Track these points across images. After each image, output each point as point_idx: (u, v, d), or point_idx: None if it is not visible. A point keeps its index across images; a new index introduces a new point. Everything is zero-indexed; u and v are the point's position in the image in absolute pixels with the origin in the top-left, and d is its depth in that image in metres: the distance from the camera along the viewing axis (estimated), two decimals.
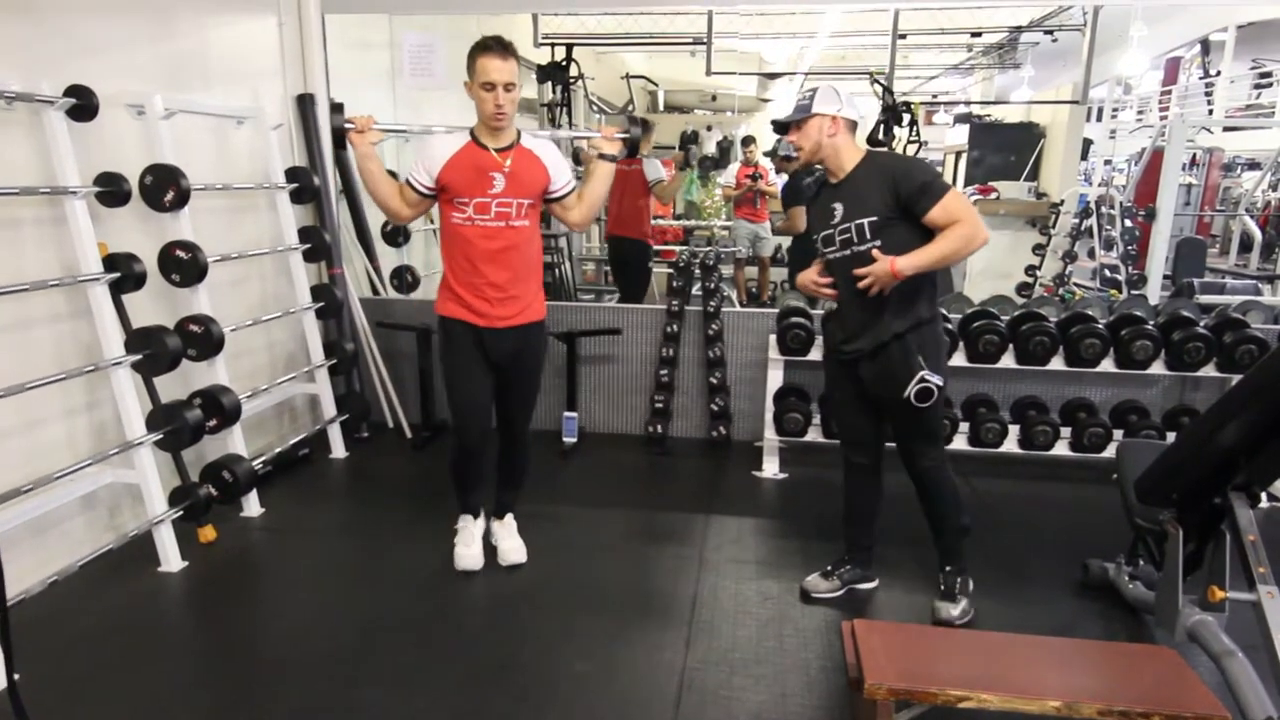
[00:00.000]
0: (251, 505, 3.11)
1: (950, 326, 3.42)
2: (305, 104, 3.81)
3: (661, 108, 10.44)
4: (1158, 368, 3.40)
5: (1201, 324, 3.42)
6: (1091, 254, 6.17)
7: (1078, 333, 3.38)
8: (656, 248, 6.01)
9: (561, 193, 2.40)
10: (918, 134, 4.61)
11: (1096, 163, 9.08)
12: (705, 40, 4.76)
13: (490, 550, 2.75)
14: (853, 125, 2.29)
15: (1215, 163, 8.16)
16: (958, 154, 8.89)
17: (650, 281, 5.40)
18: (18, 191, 2.40)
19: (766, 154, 6.39)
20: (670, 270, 4.09)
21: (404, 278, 4.56)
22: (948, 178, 9.49)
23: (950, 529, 2.46)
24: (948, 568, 2.47)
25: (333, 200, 3.94)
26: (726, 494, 3.43)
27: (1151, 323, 3.43)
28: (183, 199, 2.80)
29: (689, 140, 5.98)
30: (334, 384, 3.78)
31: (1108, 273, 5.88)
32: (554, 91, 5.62)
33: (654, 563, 2.81)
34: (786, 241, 6.49)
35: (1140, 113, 10.62)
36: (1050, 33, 6.79)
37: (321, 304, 3.69)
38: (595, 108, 7.78)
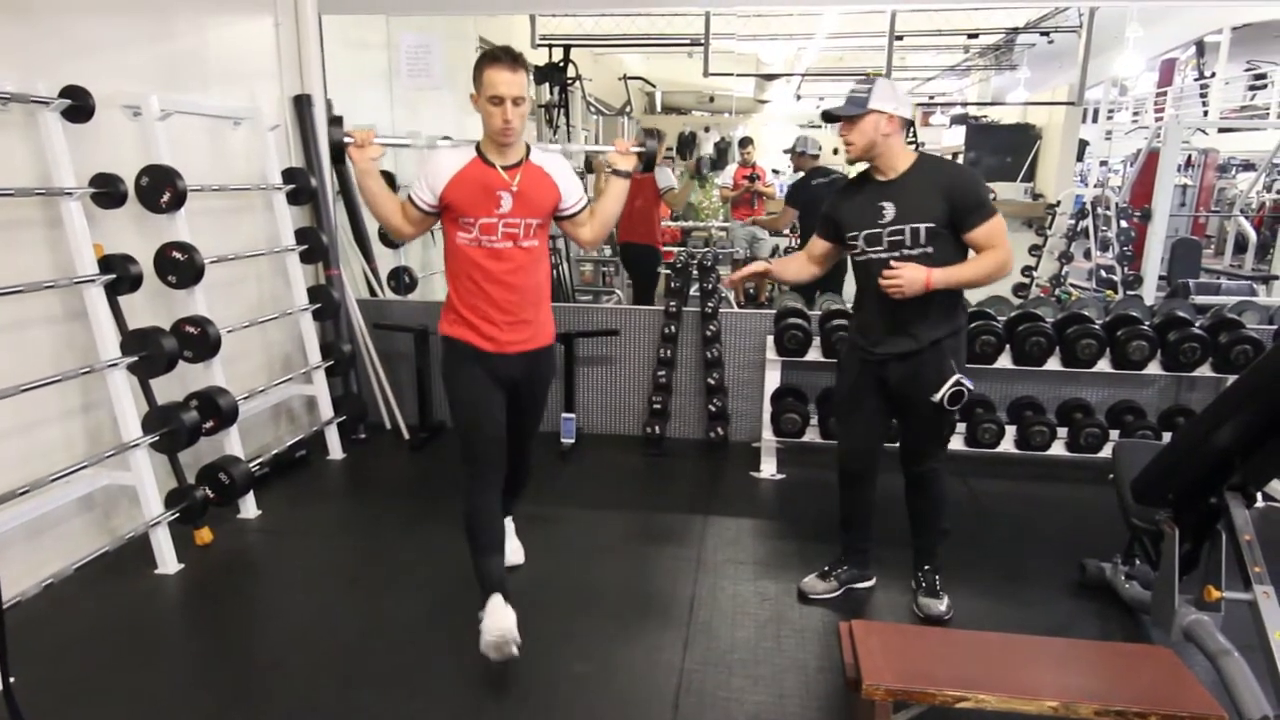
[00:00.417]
0: (248, 507, 3.10)
1: None
2: (302, 105, 3.81)
3: (659, 109, 10.45)
4: (1154, 368, 3.41)
5: (1197, 324, 3.43)
6: (1087, 255, 6.18)
7: (1074, 333, 3.39)
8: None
9: (573, 210, 2.26)
10: (914, 135, 4.62)
11: (1092, 164, 9.11)
12: (703, 41, 4.77)
13: None
14: (906, 125, 2.25)
15: (1210, 164, 8.18)
16: (955, 155, 8.91)
17: (658, 285, 5.43)
18: (13, 192, 2.40)
19: (786, 151, 6.35)
20: (668, 271, 4.10)
21: (401, 279, 4.55)
22: None
23: (935, 529, 2.51)
24: (926, 566, 2.52)
25: (330, 201, 3.93)
26: (724, 495, 3.43)
27: (1147, 323, 3.44)
28: (179, 200, 2.80)
29: (686, 142, 5.99)
30: (331, 385, 3.77)
31: (1103, 273, 5.89)
32: (552, 92, 5.62)
33: (652, 564, 2.81)
34: (784, 242, 6.50)
35: (1136, 114, 10.66)
36: (1046, 34, 6.81)
37: (319, 305, 3.68)
38: (593, 109, 7.78)
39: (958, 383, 2.21)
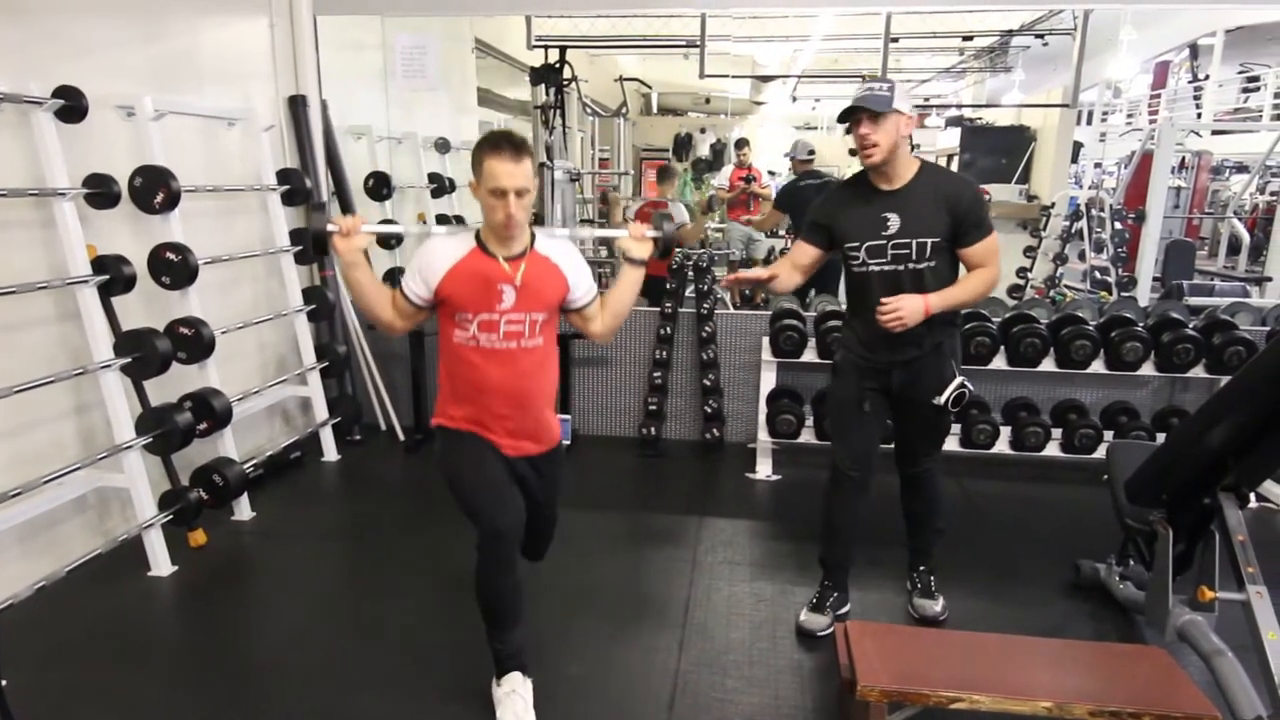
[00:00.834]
0: (242, 509, 3.09)
1: None
2: (297, 105, 3.80)
3: (655, 110, 10.46)
4: (1147, 369, 3.42)
5: (1190, 325, 3.44)
6: (1082, 256, 6.20)
7: (1068, 334, 3.40)
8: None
9: (582, 303, 2.02)
10: (910, 138, 4.62)
11: (1087, 166, 9.14)
12: (699, 43, 4.77)
13: None
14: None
15: (1204, 166, 8.21)
16: (950, 157, 8.93)
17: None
18: (6, 193, 2.39)
19: (787, 154, 6.36)
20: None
21: (396, 279, 4.53)
22: None
23: (931, 530, 2.51)
24: (922, 567, 2.52)
25: (325, 202, 3.92)
26: (720, 496, 3.43)
27: (1141, 324, 3.45)
28: (173, 201, 2.79)
29: (683, 143, 6.00)
30: (326, 387, 3.76)
31: (1098, 275, 5.91)
32: (547, 94, 5.61)
33: (648, 565, 2.81)
34: (780, 244, 6.49)
35: (1130, 116, 10.70)
36: (1041, 36, 6.83)
37: (313, 306, 3.68)
38: (589, 110, 7.78)
39: (960, 385, 2.21)
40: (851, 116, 2.12)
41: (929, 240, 2.14)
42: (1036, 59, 7.91)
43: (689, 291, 3.99)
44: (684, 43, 5.51)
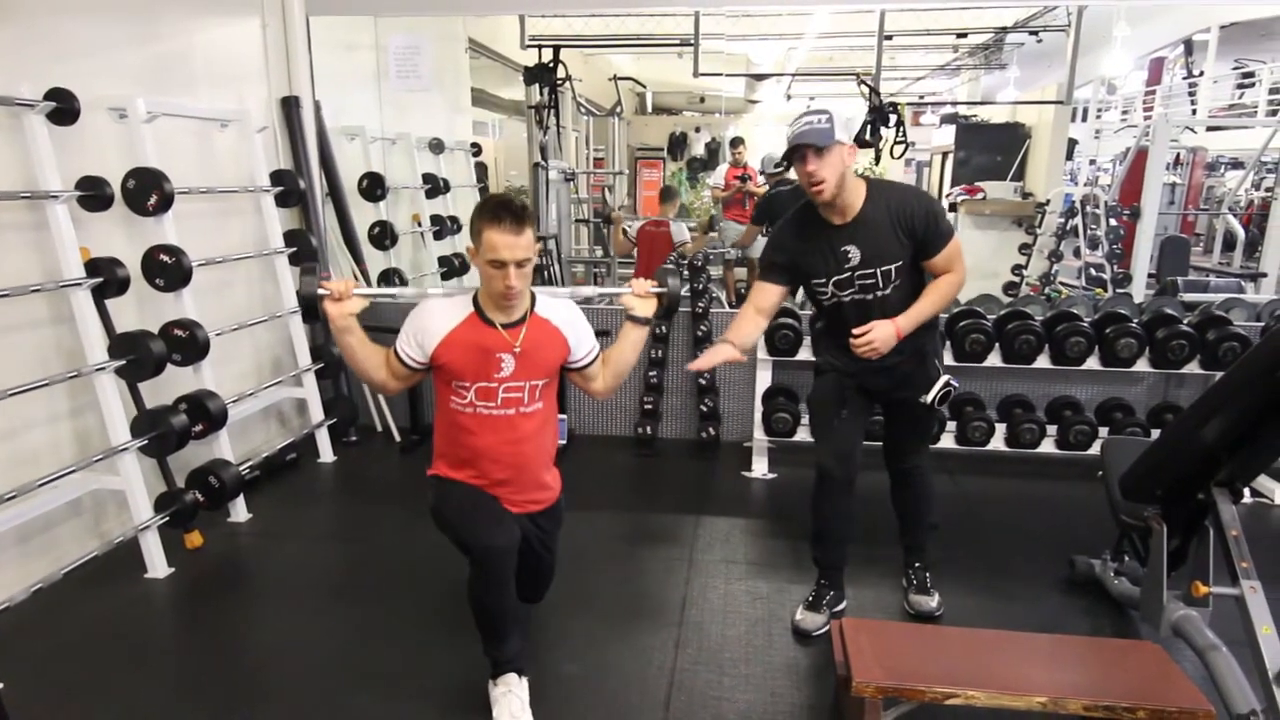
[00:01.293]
0: (238, 510, 3.09)
1: None
2: (290, 106, 3.79)
3: (650, 109, 10.45)
4: (1142, 365, 3.43)
5: (1185, 322, 3.45)
6: (1077, 253, 6.21)
7: (1063, 331, 3.40)
8: None
9: (584, 363, 1.99)
10: (904, 135, 4.62)
11: (1082, 162, 9.15)
12: (692, 42, 4.77)
13: None
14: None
15: (1199, 162, 8.23)
16: (945, 154, 8.95)
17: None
18: None
19: (762, 174, 6.41)
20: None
21: (392, 280, 4.54)
22: (935, 178, 9.57)
23: (924, 525, 2.51)
24: (916, 564, 2.52)
25: (319, 203, 3.92)
26: (716, 494, 3.44)
27: (1136, 321, 3.46)
28: (166, 203, 2.79)
29: (677, 142, 6.00)
30: (321, 388, 3.76)
31: (1093, 271, 5.92)
32: (541, 94, 5.62)
33: (644, 564, 2.81)
34: None
35: (1125, 112, 10.71)
36: (1035, 33, 6.83)
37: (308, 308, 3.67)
38: (583, 110, 7.78)
39: (947, 383, 2.22)
40: (795, 154, 2.04)
41: (892, 266, 2.14)
42: (1031, 56, 7.91)
43: (684, 290, 3.99)
44: (678, 41, 5.50)
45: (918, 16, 6.12)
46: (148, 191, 2.76)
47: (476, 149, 6.13)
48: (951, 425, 3.60)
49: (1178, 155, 8.01)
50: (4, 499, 2.29)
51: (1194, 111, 9.16)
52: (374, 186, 4.49)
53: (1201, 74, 9.21)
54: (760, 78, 9.68)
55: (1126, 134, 9.38)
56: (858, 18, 5.98)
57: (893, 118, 4.44)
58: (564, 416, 3.89)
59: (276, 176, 3.60)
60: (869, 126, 4.37)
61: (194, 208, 3.20)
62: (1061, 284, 6.18)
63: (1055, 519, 3.20)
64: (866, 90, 4.32)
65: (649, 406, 3.92)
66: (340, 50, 4.31)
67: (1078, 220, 6.06)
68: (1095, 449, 3.42)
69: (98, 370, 2.57)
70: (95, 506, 2.81)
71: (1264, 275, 5.80)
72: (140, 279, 2.79)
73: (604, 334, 3.92)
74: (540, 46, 5.73)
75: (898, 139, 4.58)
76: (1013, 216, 7.02)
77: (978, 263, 6.68)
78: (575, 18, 5.66)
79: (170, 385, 2.90)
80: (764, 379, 3.64)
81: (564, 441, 3.85)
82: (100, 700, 2.06)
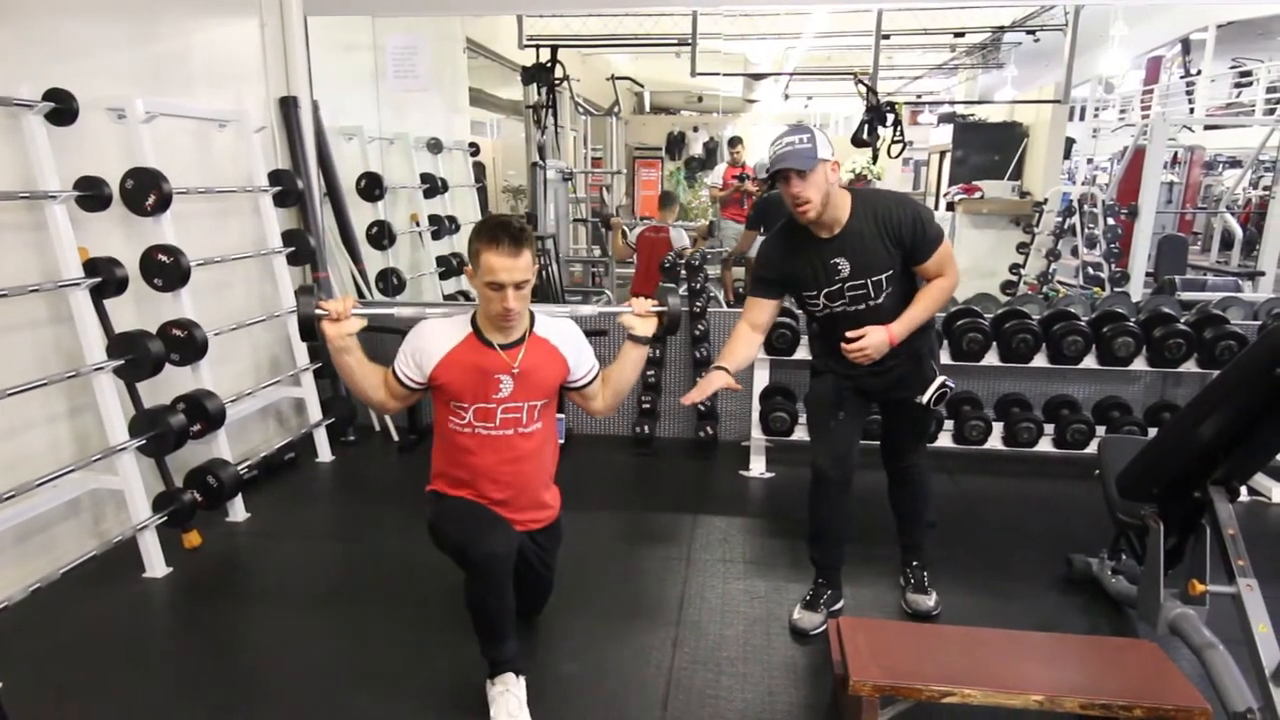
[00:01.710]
0: (237, 510, 3.09)
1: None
2: (288, 106, 3.79)
3: (648, 109, 10.45)
4: (1139, 364, 3.43)
5: (1182, 320, 3.46)
6: (1075, 252, 6.22)
7: (1060, 330, 3.41)
8: None
9: (583, 382, 2.01)
10: (902, 134, 4.63)
11: (1080, 161, 9.16)
12: (690, 41, 4.77)
13: None
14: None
15: (1196, 161, 8.25)
16: (942, 153, 8.95)
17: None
18: None
19: (756, 177, 6.38)
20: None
21: (390, 280, 4.55)
22: (933, 177, 9.57)
23: (921, 524, 2.52)
24: (914, 562, 2.52)
25: (317, 203, 3.92)
26: (714, 494, 3.44)
27: (1133, 320, 3.47)
28: (164, 203, 2.79)
29: (675, 142, 6.01)
30: (320, 388, 3.76)
31: (1091, 270, 5.93)
32: (539, 93, 5.62)
33: (642, 563, 2.82)
34: None
35: (1123, 111, 10.72)
36: (1032, 33, 6.84)
37: None
38: (581, 109, 7.78)
39: (942, 384, 2.22)
40: (778, 176, 2.06)
41: (883, 276, 2.15)
42: (1029, 55, 7.92)
43: (681, 290, 3.99)
44: (675, 41, 5.50)
45: (915, 16, 6.13)
46: (146, 191, 2.76)
47: (475, 149, 6.13)
48: (949, 424, 3.60)
49: (1175, 154, 8.02)
50: (3, 498, 2.29)
51: (1191, 110, 9.18)
52: (372, 186, 4.49)
53: (1199, 73, 9.23)
54: (758, 77, 9.68)
55: (1124, 133, 9.38)
56: (855, 17, 5.98)
57: (890, 117, 4.44)
58: (562, 416, 3.89)
59: (275, 176, 3.60)
60: (866, 126, 4.38)
61: (192, 208, 3.20)
62: (1060, 283, 6.19)
63: (1053, 518, 3.21)
64: (864, 90, 4.33)
65: (647, 406, 3.92)
66: (338, 50, 4.31)
67: (1075, 219, 6.06)
68: (1092, 448, 3.42)
69: (96, 370, 2.57)
70: (94, 506, 2.81)
71: (1262, 274, 5.81)
72: (138, 279, 2.79)
73: (602, 334, 3.95)
74: (538, 46, 5.74)
75: (895, 138, 4.59)
76: (1010, 215, 7.03)
77: (975, 262, 6.69)
78: (573, 17, 5.66)
79: (168, 385, 2.90)
80: (761, 378, 3.64)
81: (562, 441, 3.85)
82: (98, 700, 2.06)
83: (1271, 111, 8.52)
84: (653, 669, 2.18)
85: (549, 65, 5.65)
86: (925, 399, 2.22)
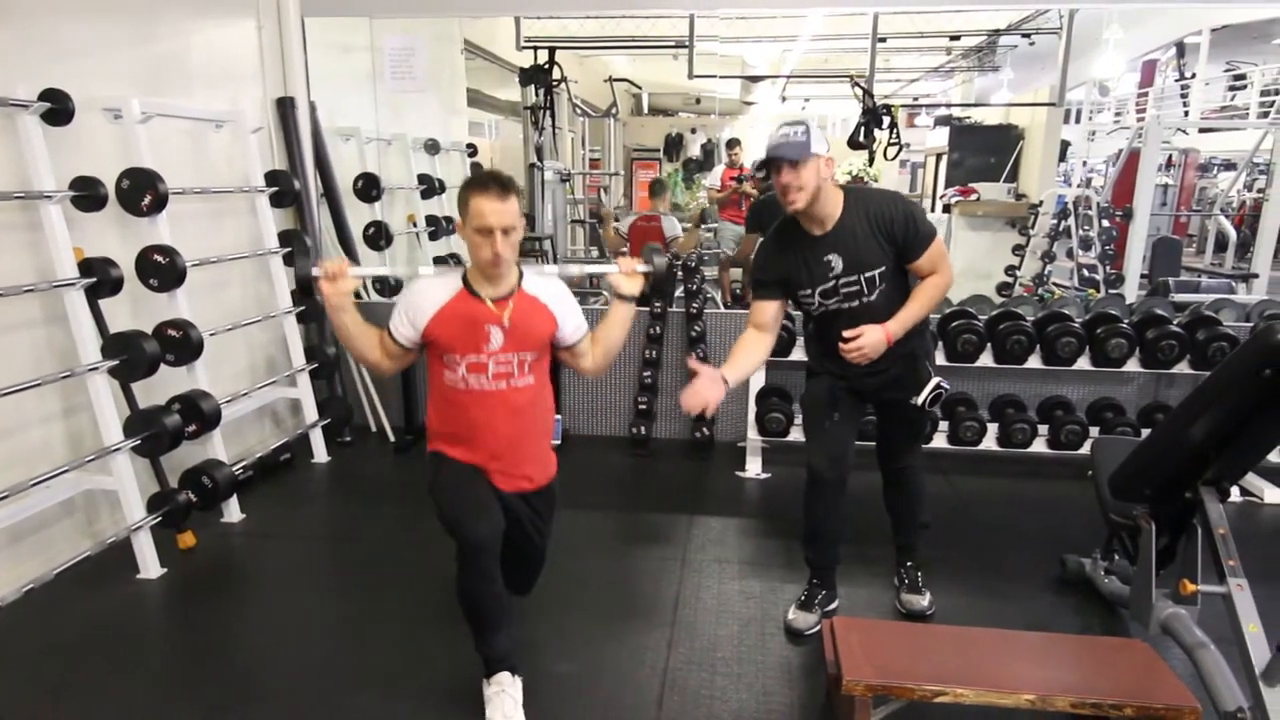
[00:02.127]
0: (232, 510, 3.09)
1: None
2: (285, 107, 3.80)
3: (646, 110, 10.46)
4: (1132, 365, 3.45)
5: (1175, 322, 3.47)
6: (1069, 254, 6.24)
7: (1054, 331, 3.42)
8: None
9: (572, 340, 2.02)
10: (898, 136, 4.65)
11: (1076, 164, 9.20)
12: (687, 44, 4.79)
13: None
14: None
15: (1191, 164, 8.28)
16: (938, 156, 8.98)
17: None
18: None
19: (753, 176, 6.38)
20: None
21: (387, 281, 4.54)
22: (929, 179, 9.60)
23: (916, 525, 2.53)
24: (908, 563, 2.53)
25: (314, 203, 3.92)
26: (710, 494, 3.45)
27: (1126, 321, 3.48)
28: (160, 203, 2.79)
29: (673, 143, 6.01)
30: (316, 388, 3.76)
31: (1086, 272, 5.95)
32: (537, 95, 5.63)
33: (637, 563, 2.82)
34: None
35: (1118, 114, 10.77)
36: (1027, 36, 6.87)
37: (302, 308, 3.67)
38: (579, 111, 7.78)
39: (937, 385, 2.23)
40: (771, 165, 2.10)
41: (875, 273, 2.16)
42: (1025, 58, 7.95)
43: (679, 291, 4.00)
44: (673, 44, 5.52)
45: (911, 19, 6.15)
46: (142, 192, 2.76)
47: (472, 150, 6.13)
48: (944, 425, 3.62)
49: (1170, 157, 8.05)
50: None
51: (1186, 113, 9.22)
52: (369, 187, 4.49)
53: (1194, 76, 9.27)
54: (755, 79, 9.70)
55: (1120, 135, 9.42)
56: (851, 20, 6.01)
57: (886, 119, 4.46)
58: (559, 417, 3.91)
59: (271, 177, 3.60)
60: (862, 128, 4.40)
61: (188, 208, 3.20)
62: (1055, 285, 6.21)
63: (1047, 518, 3.22)
64: (860, 92, 4.34)
65: (643, 407, 3.93)
66: (335, 51, 4.32)
67: (1070, 221, 6.09)
68: (1086, 448, 3.44)
69: (91, 370, 2.57)
70: (88, 506, 2.81)
71: (1255, 276, 5.83)
72: (134, 279, 2.79)
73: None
74: (536, 48, 5.75)
75: (891, 141, 4.61)
76: (1006, 218, 7.06)
77: (971, 263, 6.72)
78: (571, 19, 5.68)
79: (164, 385, 2.90)
80: (757, 379, 3.65)
81: (559, 442, 3.87)
82: (92, 700, 2.06)
83: (1265, 114, 8.56)
84: (647, 669, 2.19)
85: (547, 67, 5.66)
86: (920, 400, 2.22)
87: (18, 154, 2.47)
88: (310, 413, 3.69)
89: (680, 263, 3.98)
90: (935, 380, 2.23)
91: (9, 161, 2.48)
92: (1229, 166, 9.32)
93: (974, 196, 7.31)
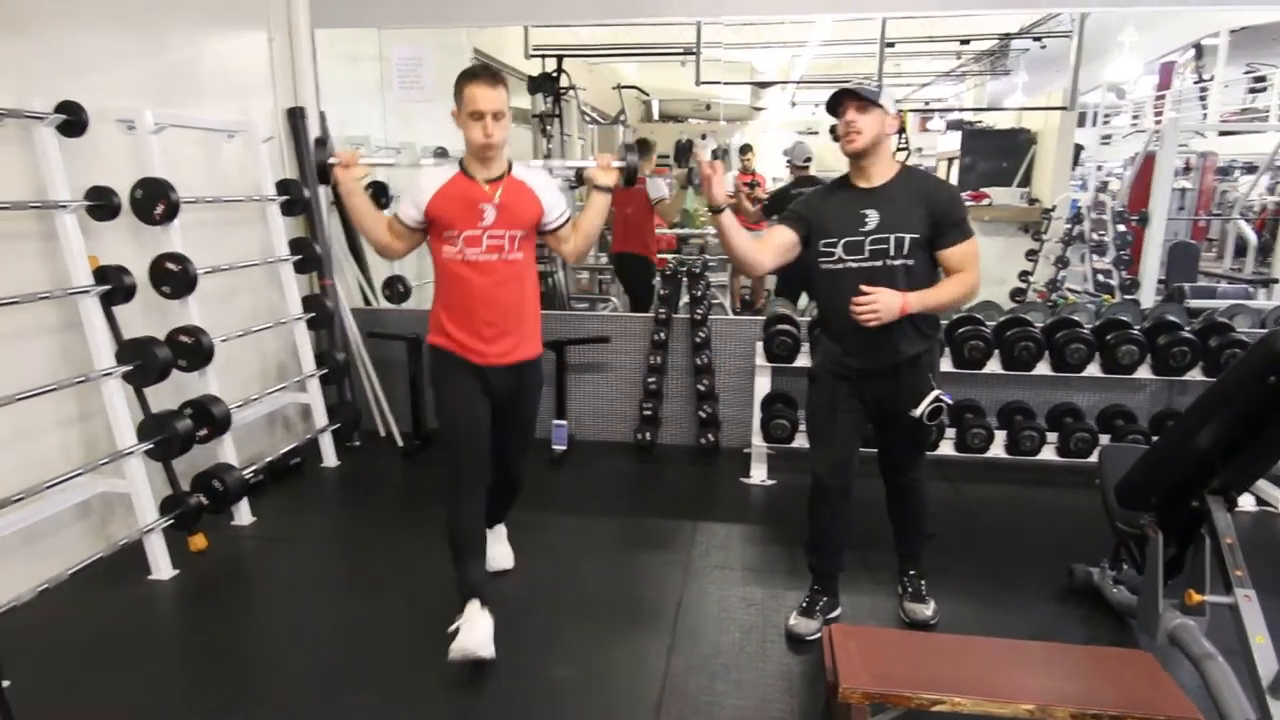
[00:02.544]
0: (242, 514, 3.13)
1: None
2: (296, 117, 3.85)
3: (656, 117, 10.49)
4: (1144, 372, 3.41)
5: (1187, 328, 3.43)
6: (1083, 259, 6.18)
7: (1063, 338, 3.39)
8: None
9: (555, 224, 2.29)
10: (907, 141, 4.63)
11: (1090, 168, 9.10)
12: (695, 51, 4.81)
13: None
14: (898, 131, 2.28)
15: (1209, 167, 8.16)
16: (950, 160, 8.93)
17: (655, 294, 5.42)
18: (9, 206, 2.44)
19: (785, 153, 6.25)
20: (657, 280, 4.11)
21: (396, 287, 4.59)
22: None
23: (920, 535, 2.51)
24: (911, 571, 2.51)
25: (324, 212, 3.97)
26: (714, 501, 3.44)
27: (1137, 327, 3.44)
28: (173, 212, 2.84)
29: (683, 150, 6.02)
30: (325, 393, 3.80)
31: (1101, 278, 5.89)
32: (546, 102, 5.66)
33: (640, 569, 2.83)
34: None
35: (1135, 117, 10.65)
36: (1039, 39, 6.83)
37: (313, 314, 3.72)
38: (588, 118, 7.82)
39: (937, 399, 2.18)
40: (839, 102, 2.17)
41: (907, 236, 2.14)
42: (1038, 62, 7.90)
43: (683, 298, 4.01)
44: (681, 50, 5.53)
45: (920, 23, 6.13)
46: (155, 201, 2.81)
47: None
48: (951, 432, 3.59)
49: (1188, 160, 7.95)
50: (13, 500, 2.34)
51: (1205, 116, 9.10)
52: (378, 195, 4.53)
53: (1212, 78, 9.15)
54: (763, 85, 9.70)
55: (1137, 139, 9.31)
56: (861, 25, 5.99)
57: None
58: (564, 423, 3.92)
59: (282, 186, 3.65)
60: None
61: (200, 216, 3.26)
62: (1069, 290, 6.15)
63: (1055, 526, 3.19)
64: None
65: (648, 413, 3.93)
66: (345, 62, 4.37)
67: (1084, 226, 6.03)
68: (1096, 456, 3.40)
69: (105, 375, 2.62)
70: (102, 509, 2.86)
71: (1275, 281, 5.75)
72: (147, 286, 2.84)
73: (604, 340, 3.96)
74: (544, 56, 5.79)
75: (901, 145, 4.60)
76: (1019, 223, 7.01)
77: (984, 269, 6.54)
78: (579, 27, 5.71)
79: (176, 390, 2.94)
80: (763, 385, 3.64)
81: (564, 448, 3.89)
82: (104, 699, 2.09)
83: None
84: (647, 675, 2.19)
85: (555, 74, 5.70)
86: (918, 413, 2.17)
87: (34, 165, 2.53)
88: (320, 418, 3.73)
89: (685, 270, 3.99)
90: (935, 393, 2.19)
91: (26, 172, 2.53)
92: (1250, 170, 9.17)
93: (986, 201, 7.26)
